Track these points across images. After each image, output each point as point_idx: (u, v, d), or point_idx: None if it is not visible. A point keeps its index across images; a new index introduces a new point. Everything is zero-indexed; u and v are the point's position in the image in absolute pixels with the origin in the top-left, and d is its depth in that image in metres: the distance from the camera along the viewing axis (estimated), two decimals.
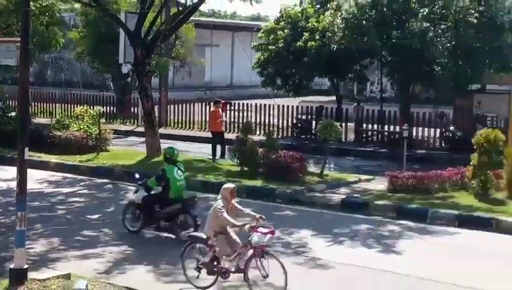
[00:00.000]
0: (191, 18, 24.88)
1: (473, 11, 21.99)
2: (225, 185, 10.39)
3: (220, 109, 21.75)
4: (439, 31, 21.92)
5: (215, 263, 9.92)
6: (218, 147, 21.07)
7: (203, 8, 51.01)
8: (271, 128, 25.47)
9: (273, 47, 27.06)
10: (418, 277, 10.75)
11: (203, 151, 23.04)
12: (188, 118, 29.57)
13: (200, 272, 10.08)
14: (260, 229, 9.66)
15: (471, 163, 16.41)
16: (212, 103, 22.97)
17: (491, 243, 13.01)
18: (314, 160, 20.66)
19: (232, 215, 10.02)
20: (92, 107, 24.49)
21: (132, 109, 31.55)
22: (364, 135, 26.23)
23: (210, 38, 45.05)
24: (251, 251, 9.66)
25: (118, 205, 15.59)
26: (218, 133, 21.46)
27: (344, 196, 16.34)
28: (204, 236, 10.03)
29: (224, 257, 9.95)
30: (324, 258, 11.74)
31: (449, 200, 15.60)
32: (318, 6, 27.52)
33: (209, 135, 22.46)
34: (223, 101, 23.23)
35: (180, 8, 22.99)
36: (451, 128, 24.13)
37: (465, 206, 14.98)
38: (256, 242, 9.54)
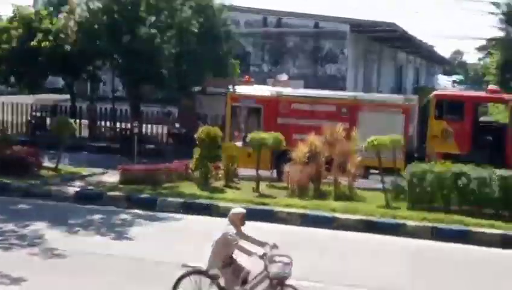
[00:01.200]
0: None
1: (194, 22, 22.68)
2: (234, 210, 8.26)
3: None
4: (165, 38, 22.24)
5: None
6: None
7: None
8: (5, 125, 24.04)
9: (7, 46, 25.36)
10: (150, 260, 10.77)
11: None
12: None
13: None
14: (279, 258, 7.96)
15: (194, 156, 16.93)
16: None
17: (209, 226, 13.48)
18: (49, 155, 19.74)
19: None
20: None
21: None
22: (98, 132, 25.77)
23: None
24: (267, 283, 7.97)
25: None
26: None
27: (78, 189, 15.96)
28: (203, 267, 8.13)
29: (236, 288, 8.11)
30: (60, 248, 11.26)
31: (175, 189, 15.92)
32: (52, 8, 26.36)
33: None
34: None
35: None
36: (177, 125, 24.70)
37: (189, 194, 15.39)
38: (276, 274, 7.85)
